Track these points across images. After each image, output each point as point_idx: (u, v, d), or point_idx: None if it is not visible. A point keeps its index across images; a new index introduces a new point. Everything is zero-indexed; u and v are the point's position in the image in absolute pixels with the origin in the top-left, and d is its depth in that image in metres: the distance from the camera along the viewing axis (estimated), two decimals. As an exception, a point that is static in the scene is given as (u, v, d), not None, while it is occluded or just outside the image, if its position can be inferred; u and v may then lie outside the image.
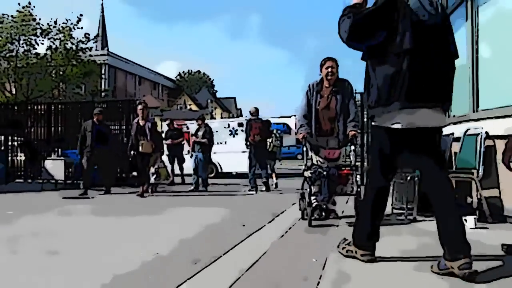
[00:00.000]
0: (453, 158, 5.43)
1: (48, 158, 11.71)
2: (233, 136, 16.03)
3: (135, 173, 11.46)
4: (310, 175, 5.03)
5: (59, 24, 24.38)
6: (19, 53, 24.23)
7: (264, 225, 5.00)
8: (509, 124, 4.53)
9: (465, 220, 4.37)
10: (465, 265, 2.60)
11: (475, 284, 2.58)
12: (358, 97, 7.89)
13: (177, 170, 12.65)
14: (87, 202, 8.45)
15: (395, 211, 5.55)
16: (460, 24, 6.07)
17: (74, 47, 24.85)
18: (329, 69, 5.28)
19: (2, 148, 14.13)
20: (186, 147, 13.44)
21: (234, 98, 68.70)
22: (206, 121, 11.41)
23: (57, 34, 24.53)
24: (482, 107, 5.39)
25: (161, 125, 16.76)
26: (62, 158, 11.45)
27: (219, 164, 16.18)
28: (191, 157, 11.54)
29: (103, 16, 58.30)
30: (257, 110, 10.45)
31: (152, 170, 9.25)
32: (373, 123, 3.01)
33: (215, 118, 45.40)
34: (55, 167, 11.23)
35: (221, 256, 3.48)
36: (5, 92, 24.81)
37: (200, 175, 10.66)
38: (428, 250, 3.39)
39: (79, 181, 10.34)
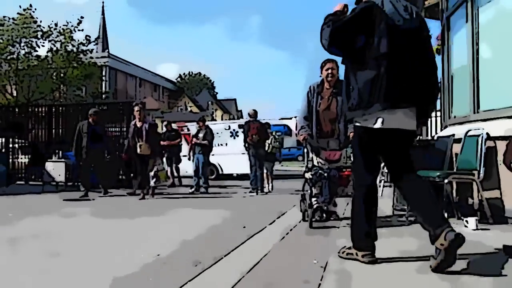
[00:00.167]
0: (454, 159, 5.42)
1: (49, 160, 11.72)
2: (234, 138, 16.02)
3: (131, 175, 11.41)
4: (311, 176, 5.02)
5: (60, 27, 24.43)
6: (20, 55, 24.26)
7: (265, 227, 4.99)
8: (510, 125, 4.53)
9: (466, 221, 4.37)
10: (449, 233, 2.72)
11: (479, 284, 2.58)
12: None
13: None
14: (87, 204, 8.44)
15: (396, 212, 5.54)
16: (460, 25, 6.07)
17: (75, 49, 24.88)
18: (330, 71, 5.29)
19: (3, 150, 14.14)
20: (185, 149, 13.42)
21: (235, 99, 68.73)
22: (206, 123, 11.43)
23: (58, 36, 24.56)
24: (482, 108, 5.38)
25: (161, 127, 16.76)
26: (63, 160, 11.45)
27: (220, 166, 16.18)
28: (189, 159, 11.57)
29: (103, 18, 58.41)
30: (255, 112, 10.55)
31: (152, 173, 9.23)
32: (355, 124, 3.10)
33: (215, 120, 45.42)
34: (56, 169, 11.23)
35: (222, 258, 3.48)
36: (6, 94, 24.84)
37: (201, 176, 10.66)
38: (429, 251, 3.37)
39: (78, 183, 10.34)
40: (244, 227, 5.05)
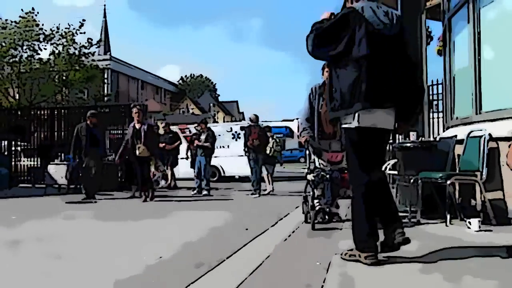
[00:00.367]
0: (457, 160, 5.41)
1: (51, 162, 11.74)
2: (236, 140, 16.04)
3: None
4: (313, 178, 5.02)
5: (62, 30, 24.50)
6: (23, 58, 24.33)
7: (267, 229, 4.98)
8: (512, 126, 4.52)
9: (469, 222, 4.36)
10: (400, 234, 3.10)
11: (482, 286, 2.57)
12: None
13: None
14: (89, 206, 8.45)
15: (398, 214, 5.52)
16: (462, 26, 6.07)
17: (76, 52, 24.95)
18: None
19: (6, 153, 14.18)
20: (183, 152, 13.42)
21: (237, 101, 68.76)
22: (208, 125, 11.44)
23: (60, 39, 24.63)
24: (485, 109, 5.37)
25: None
26: (65, 162, 11.46)
27: (222, 168, 16.18)
28: (186, 158, 11.61)
29: (105, 21, 58.57)
30: (257, 117, 10.74)
31: (159, 174, 9.22)
32: (342, 126, 3.23)
33: (217, 122, 45.46)
34: (58, 171, 11.25)
35: (224, 260, 3.47)
36: (8, 97, 24.90)
37: (203, 179, 10.66)
38: (432, 253, 3.38)
39: (80, 185, 10.31)
40: (247, 229, 5.05)
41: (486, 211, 4.63)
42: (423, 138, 6.15)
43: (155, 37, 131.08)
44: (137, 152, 8.98)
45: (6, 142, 14.71)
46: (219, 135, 14.13)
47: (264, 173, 10.74)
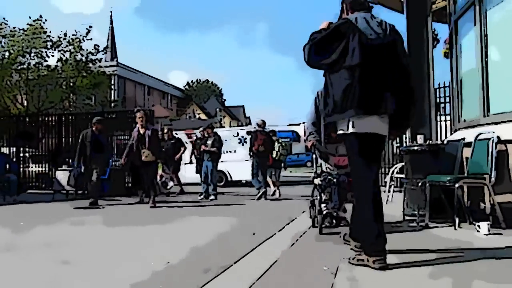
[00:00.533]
0: (465, 163, 5.37)
1: (59, 168, 11.81)
2: (242, 145, 16.05)
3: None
4: (320, 182, 5.01)
5: (69, 36, 24.67)
6: (31, 65, 24.54)
7: (275, 233, 4.97)
8: (521, 128, 4.48)
9: (478, 226, 4.33)
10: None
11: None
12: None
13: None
14: (97, 212, 8.48)
15: (406, 218, 5.50)
16: (468, 28, 6.04)
17: (84, 58, 25.11)
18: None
19: (14, 159, 14.29)
20: (187, 157, 13.46)
21: (243, 106, 68.82)
22: (215, 130, 11.46)
23: (67, 46, 24.81)
24: (493, 111, 5.34)
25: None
26: (70, 168, 11.50)
27: (229, 173, 16.19)
28: (190, 162, 11.63)
29: (112, 27, 58.94)
30: (264, 122, 10.90)
31: (166, 176, 9.20)
32: (338, 133, 3.34)
33: (224, 127, 45.52)
34: (65, 177, 11.30)
35: (232, 265, 3.47)
36: (16, 104, 25.10)
37: (210, 183, 10.68)
38: (441, 257, 3.35)
39: (86, 191, 10.33)
40: (254, 233, 5.04)
41: (495, 214, 4.59)
42: (430, 141, 6.11)
43: (161, 43, 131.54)
44: (143, 158, 8.95)
45: (14, 149, 14.85)
46: (226, 140, 14.14)
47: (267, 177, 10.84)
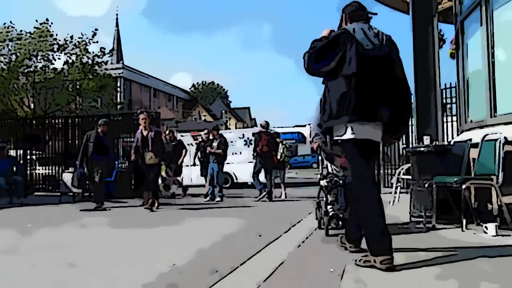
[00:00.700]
0: (472, 164, 5.34)
1: (65, 171, 11.86)
2: (248, 146, 16.03)
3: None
4: (326, 184, 5.00)
5: (75, 39, 24.83)
6: (37, 68, 24.71)
7: (281, 235, 4.97)
8: (528, 128, 4.45)
9: (486, 227, 4.30)
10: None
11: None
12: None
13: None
14: (103, 214, 8.51)
15: (413, 219, 5.47)
16: (475, 29, 6.01)
17: (90, 61, 25.25)
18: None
19: (21, 161, 14.38)
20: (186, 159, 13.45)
21: (248, 108, 68.86)
22: (220, 132, 11.48)
23: (73, 49, 24.96)
24: (500, 111, 5.31)
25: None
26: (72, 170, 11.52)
27: (234, 174, 16.19)
28: (194, 164, 11.64)
29: (118, 30, 59.23)
30: (267, 124, 11.04)
31: (170, 179, 9.15)
32: (334, 139, 3.47)
33: (229, 129, 45.58)
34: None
35: (238, 267, 3.46)
36: (23, 106, 25.27)
37: (216, 185, 10.70)
38: (448, 259, 3.33)
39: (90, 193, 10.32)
40: (260, 235, 5.04)
41: (503, 216, 4.56)
42: (437, 142, 6.08)
43: (166, 45, 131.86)
44: (147, 160, 8.85)
45: (21, 151, 14.94)
46: (232, 142, 14.17)
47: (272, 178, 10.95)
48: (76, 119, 15.57)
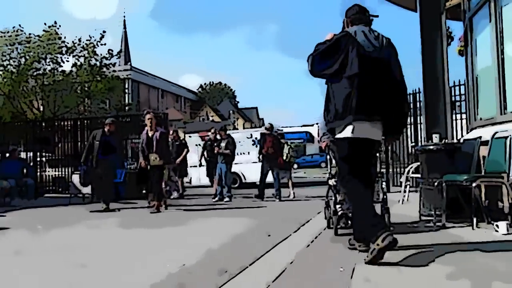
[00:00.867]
0: (482, 162, 5.30)
1: (75, 172, 11.94)
2: (256, 146, 16.02)
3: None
4: (334, 183, 4.98)
5: (83, 42, 24.94)
6: (46, 71, 24.88)
7: (290, 235, 4.96)
8: (539, 125, 4.40)
9: (497, 226, 4.26)
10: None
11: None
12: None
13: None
14: (113, 215, 8.55)
15: (423, 218, 5.44)
16: (484, 25, 5.97)
17: (98, 63, 25.35)
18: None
19: (31, 163, 14.51)
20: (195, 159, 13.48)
21: (256, 108, 68.87)
22: (228, 132, 11.52)
23: (81, 51, 25.07)
24: (510, 109, 5.26)
25: (184, 137, 16.95)
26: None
27: (243, 174, 16.20)
28: (200, 165, 11.68)
29: (125, 32, 59.52)
30: (271, 126, 11.35)
31: (172, 184, 9.07)
32: (335, 137, 3.61)
33: (237, 129, 45.63)
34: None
35: (247, 267, 3.46)
36: (33, 109, 25.47)
37: (224, 186, 10.72)
38: (459, 258, 3.30)
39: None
40: (269, 235, 5.03)
41: (514, 214, 4.51)
42: (446, 140, 6.04)
43: (174, 46, 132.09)
44: (151, 161, 8.73)
45: (31, 153, 15.08)
46: (239, 142, 14.17)
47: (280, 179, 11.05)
48: (85, 121, 15.65)
